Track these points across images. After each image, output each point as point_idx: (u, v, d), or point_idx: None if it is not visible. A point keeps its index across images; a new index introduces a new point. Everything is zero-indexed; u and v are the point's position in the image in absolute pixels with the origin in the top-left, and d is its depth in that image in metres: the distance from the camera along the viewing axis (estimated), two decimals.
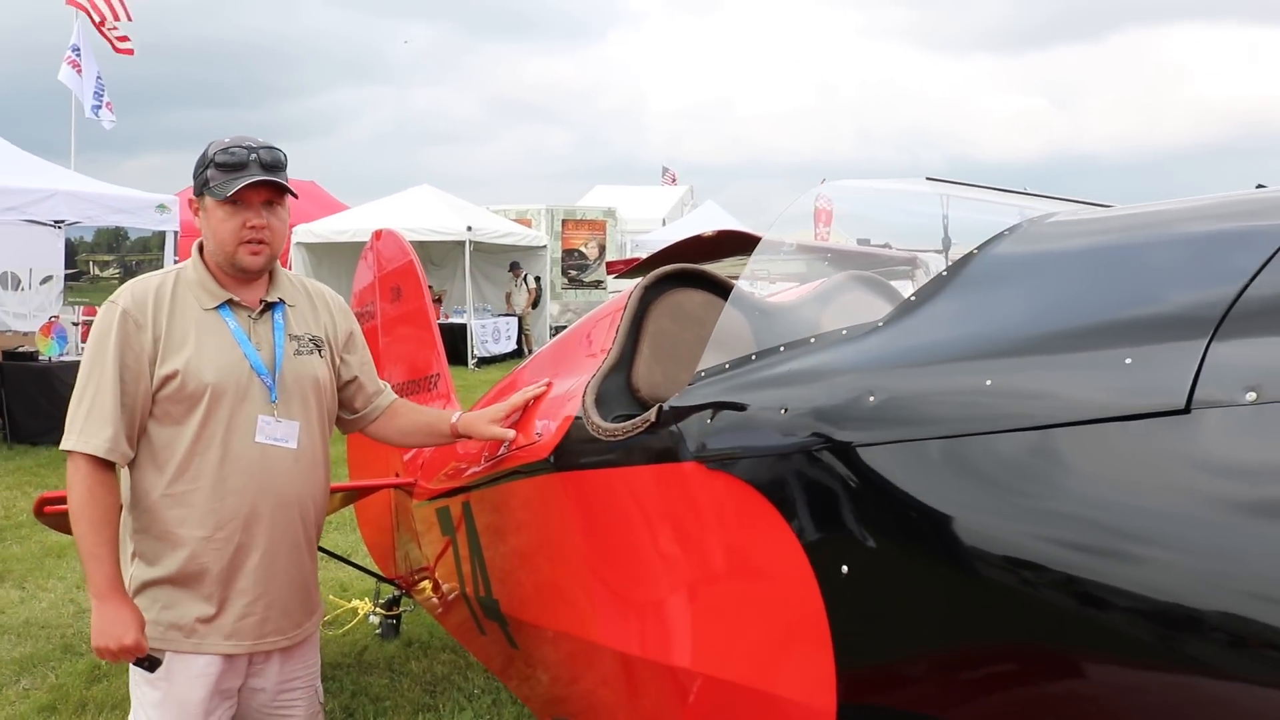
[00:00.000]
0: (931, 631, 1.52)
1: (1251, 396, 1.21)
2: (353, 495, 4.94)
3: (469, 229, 18.46)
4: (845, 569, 1.58)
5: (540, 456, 2.35)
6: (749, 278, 2.54)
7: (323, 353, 2.72)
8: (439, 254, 22.36)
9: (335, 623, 5.70)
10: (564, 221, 23.33)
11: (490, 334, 19.33)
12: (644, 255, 22.22)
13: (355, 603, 5.93)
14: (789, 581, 1.67)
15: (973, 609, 1.47)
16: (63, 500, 4.14)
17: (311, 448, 2.65)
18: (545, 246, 21.85)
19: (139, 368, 2.51)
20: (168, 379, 2.51)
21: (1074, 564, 1.35)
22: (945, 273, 1.72)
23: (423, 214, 19.02)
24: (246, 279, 2.64)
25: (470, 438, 2.84)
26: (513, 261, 20.54)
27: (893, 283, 2.76)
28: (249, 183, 2.50)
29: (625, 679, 2.15)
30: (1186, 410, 1.27)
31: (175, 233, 12.03)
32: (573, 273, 23.51)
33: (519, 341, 20.11)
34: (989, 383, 1.48)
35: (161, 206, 11.43)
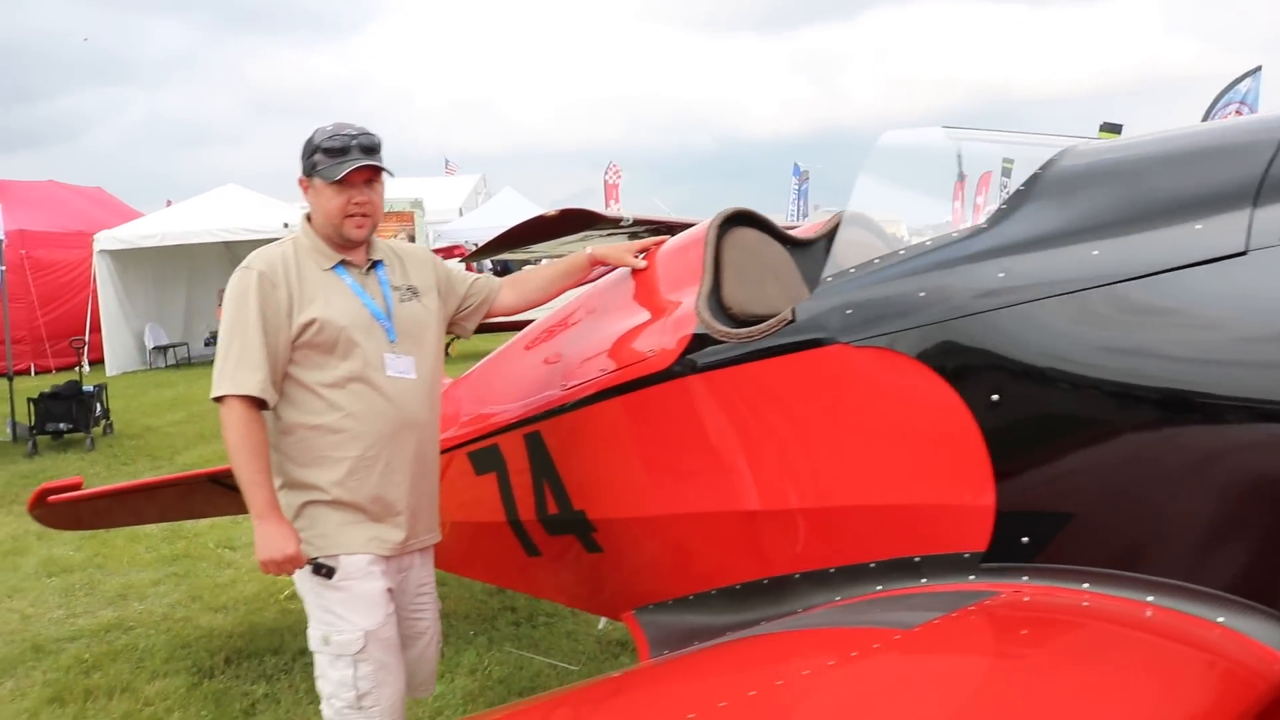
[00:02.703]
0: (1061, 433, 2.13)
1: None
2: None
3: (285, 225, 18.10)
4: (995, 397, 2.17)
5: (660, 368, 2.83)
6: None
7: (420, 299, 3.12)
8: (246, 253, 21.66)
9: (294, 596, 5.91)
10: None
11: None
12: (446, 245, 22.25)
13: None
14: (944, 416, 2.23)
15: (1089, 412, 2.08)
16: (70, 488, 4.27)
17: (425, 378, 3.06)
18: None
19: (278, 320, 2.87)
20: (306, 326, 2.88)
21: (1166, 372, 1.99)
22: (1023, 187, 2.33)
23: (235, 214, 18.53)
24: (351, 246, 3.01)
25: (606, 262, 3.35)
26: None
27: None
28: (354, 167, 2.89)
29: (768, 534, 2.65)
30: (1245, 253, 1.93)
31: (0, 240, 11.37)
32: None
33: None
34: (1096, 252, 2.10)
35: None
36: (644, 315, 3.10)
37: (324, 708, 2.99)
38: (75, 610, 5.90)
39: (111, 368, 18.47)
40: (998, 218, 2.30)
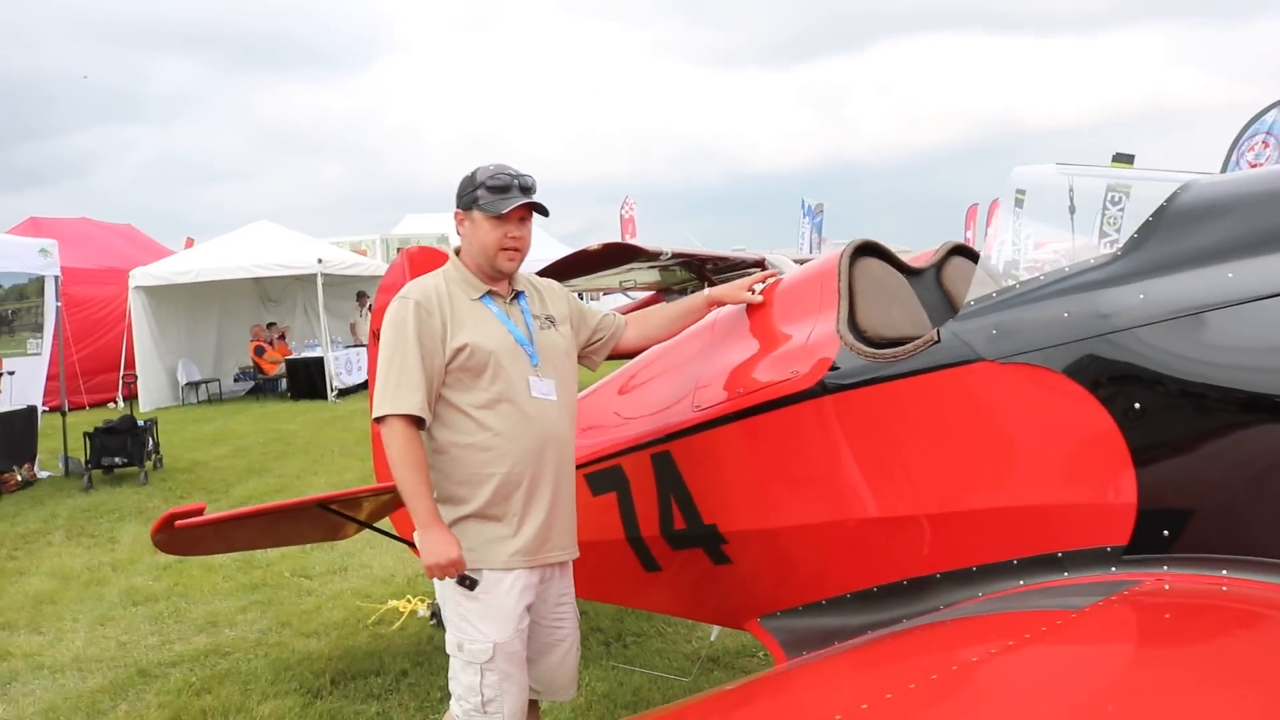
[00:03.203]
0: (1200, 436, 2.35)
1: None
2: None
3: (320, 261, 18.45)
4: (1137, 406, 2.40)
5: (804, 387, 3.06)
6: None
7: (557, 327, 3.37)
8: (276, 290, 22.11)
9: (383, 621, 6.12)
10: (399, 250, 23.48)
11: (344, 365, 19.35)
12: None
13: (392, 603, 6.36)
14: (1089, 424, 2.45)
15: (1225, 416, 2.31)
16: (195, 513, 4.48)
17: (565, 400, 3.29)
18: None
19: (434, 345, 3.10)
20: (459, 351, 3.11)
21: None
22: (1151, 218, 2.56)
23: (267, 250, 18.85)
24: (500, 277, 3.26)
25: (723, 301, 3.61)
26: (359, 291, 20.60)
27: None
28: (517, 204, 3.15)
29: (909, 538, 2.86)
30: None
31: (56, 277, 11.69)
32: None
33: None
34: (1230, 275, 2.33)
35: (44, 250, 11.13)
36: (775, 341, 3.34)
37: (454, 706, 3.23)
38: (169, 637, 6.09)
39: (145, 403, 18.70)
40: (1131, 246, 2.53)
